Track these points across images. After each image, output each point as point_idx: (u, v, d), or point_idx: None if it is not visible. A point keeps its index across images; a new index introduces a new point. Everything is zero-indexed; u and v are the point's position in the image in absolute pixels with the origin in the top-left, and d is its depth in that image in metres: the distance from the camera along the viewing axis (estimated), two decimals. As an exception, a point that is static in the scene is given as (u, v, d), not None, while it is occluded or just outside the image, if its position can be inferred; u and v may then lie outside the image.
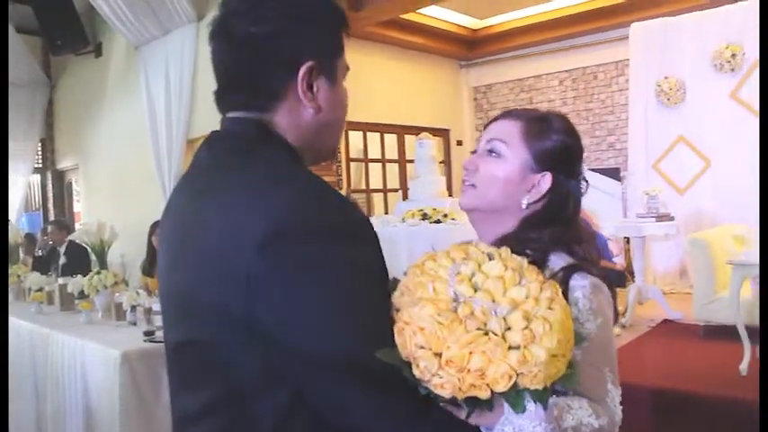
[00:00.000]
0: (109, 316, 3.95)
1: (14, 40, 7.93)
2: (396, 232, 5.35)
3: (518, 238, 1.29)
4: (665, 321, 5.44)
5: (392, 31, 7.78)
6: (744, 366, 3.92)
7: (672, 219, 5.73)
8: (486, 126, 1.43)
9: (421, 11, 7.75)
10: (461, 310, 0.92)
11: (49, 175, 9.71)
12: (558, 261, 1.27)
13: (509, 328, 0.93)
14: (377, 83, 7.71)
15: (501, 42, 8.91)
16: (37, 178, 9.77)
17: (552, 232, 1.32)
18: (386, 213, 7.77)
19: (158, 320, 3.57)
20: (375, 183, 8.39)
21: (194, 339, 1.02)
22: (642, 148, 7.11)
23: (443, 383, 0.91)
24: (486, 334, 0.92)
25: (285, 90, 1.05)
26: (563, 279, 1.21)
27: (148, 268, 5.27)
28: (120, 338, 3.42)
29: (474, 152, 1.41)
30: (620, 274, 5.74)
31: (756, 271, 3.94)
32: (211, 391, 1.01)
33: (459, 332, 0.91)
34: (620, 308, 5.50)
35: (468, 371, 0.91)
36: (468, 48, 9.18)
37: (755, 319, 3.96)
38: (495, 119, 1.42)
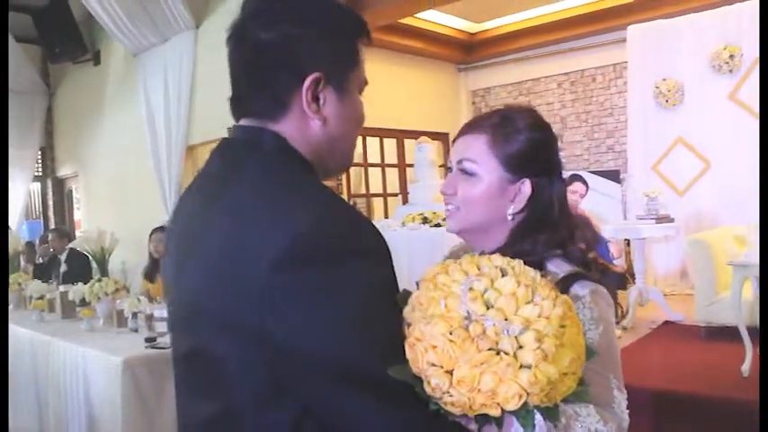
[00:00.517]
0: (110, 323, 3.95)
1: (13, 49, 7.95)
2: (396, 236, 5.35)
3: (512, 251, 1.21)
4: (667, 323, 5.44)
5: (390, 35, 7.80)
6: (746, 367, 3.91)
7: (672, 220, 5.73)
8: (453, 141, 1.41)
9: (419, 15, 7.77)
10: (473, 328, 0.91)
11: (49, 183, 9.72)
12: (554, 269, 1.26)
13: (521, 347, 0.92)
14: (375, 87, 7.71)
15: (499, 46, 8.93)
16: (37, 186, 9.77)
17: (545, 238, 1.30)
18: (386, 217, 7.78)
19: (160, 327, 3.57)
20: (375, 187, 8.39)
21: (203, 350, 1.01)
22: (641, 149, 7.12)
23: (454, 401, 0.91)
24: (498, 353, 0.91)
25: (291, 99, 1.03)
26: (562, 290, 1.14)
27: (150, 273, 5.27)
28: (122, 345, 3.42)
29: (450, 169, 1.39)
30: (620, 276, 5.73)
31: (757, 271, 3.94)
32: (220, 402, 1.00)
33: (471, 351, 0.90)
34: (621, 310, 5.49)
35: (479, 390, 0.90)
36: (467, 51, 9.20)
37: (757, 320, 3.96)
38: (460, 134, 1.38)
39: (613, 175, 7.49)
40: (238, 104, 1.08)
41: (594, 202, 6.07)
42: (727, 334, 4.39)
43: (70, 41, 7.89)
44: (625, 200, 7.26)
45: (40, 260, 7.43)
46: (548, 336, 0.92)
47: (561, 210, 1.35)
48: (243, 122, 1.08)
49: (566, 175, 1.47)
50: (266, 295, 0.90)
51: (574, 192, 5.74)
